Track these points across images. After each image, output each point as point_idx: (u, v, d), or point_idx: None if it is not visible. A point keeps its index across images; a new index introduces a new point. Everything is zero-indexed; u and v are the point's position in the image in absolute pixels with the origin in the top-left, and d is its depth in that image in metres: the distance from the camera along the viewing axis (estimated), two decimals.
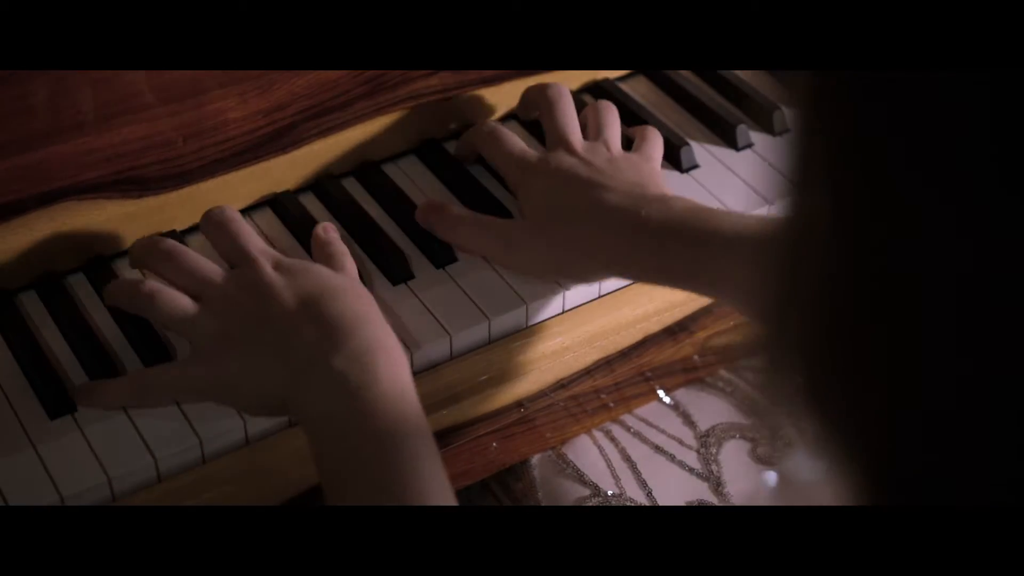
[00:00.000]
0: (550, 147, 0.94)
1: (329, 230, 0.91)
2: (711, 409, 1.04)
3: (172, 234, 0.94)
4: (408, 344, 0.87)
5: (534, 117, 1.01)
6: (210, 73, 0.90)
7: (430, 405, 0.88)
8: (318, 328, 0.78)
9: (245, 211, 0.97)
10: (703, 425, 1.02)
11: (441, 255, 0.93)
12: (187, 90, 0.90)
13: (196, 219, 0.94)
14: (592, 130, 0.96)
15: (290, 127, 0.95)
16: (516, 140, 0.96)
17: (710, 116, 1.06)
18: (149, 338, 0.86)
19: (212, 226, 0.88)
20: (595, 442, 1.01)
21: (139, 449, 0.81)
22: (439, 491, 0.73)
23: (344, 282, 0.83)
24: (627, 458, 1.00)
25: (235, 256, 0.85)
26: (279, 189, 0.98)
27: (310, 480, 0.87)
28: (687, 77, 1.11)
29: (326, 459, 0.76)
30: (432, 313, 0.90)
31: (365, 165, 1.00)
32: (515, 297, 0.91)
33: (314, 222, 0.96)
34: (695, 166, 1.02)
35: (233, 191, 0.95)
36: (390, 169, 1.01)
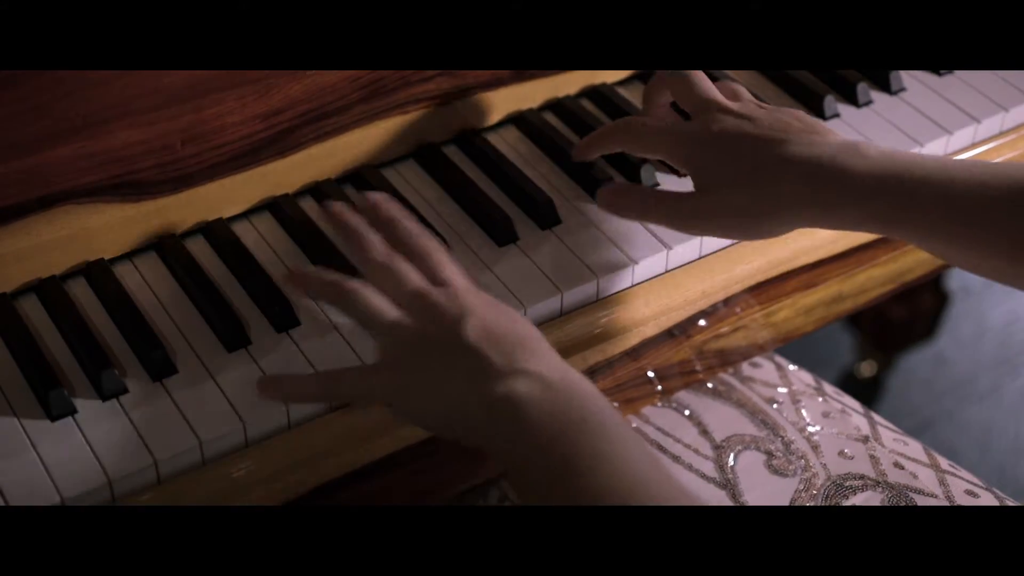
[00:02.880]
0: (698, 114, 0.91)
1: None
2: (726, 420, 1.04)
3: (171, 237, 0.94)
4: None
5: (663, 101, 0.98)
6: (209, 77, 0.90)
7: None
8: (501, 355, 0.76)
9: (243, 215, 0.97)
10: (718, 436, 1.02)
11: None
12: (185, 94, 0.90)
13: (195, 222, 0.95)
14: (729, 96, 0.93)
15: (288, 131, 0.95)
16: (658, 120, 0.93)
17: None
18: (148, 341, 0.86)
19: (415, 255, 0.83)
20: None
21: (140, 451, 0.81)
22: (640, 459, 0.72)
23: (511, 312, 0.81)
24: None
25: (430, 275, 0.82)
26: (277, 193, 0.98)
27: (309, 483, 0.87)
28: None
29: (527, 484, 0.74)
30: None
31: (363, 169, 1.01)
32: (512, 300, 0.91)
33: (313, 226, 0.96)
34: None
35: (231, 195, 0.95)
36: (388, 173, 1.02)
